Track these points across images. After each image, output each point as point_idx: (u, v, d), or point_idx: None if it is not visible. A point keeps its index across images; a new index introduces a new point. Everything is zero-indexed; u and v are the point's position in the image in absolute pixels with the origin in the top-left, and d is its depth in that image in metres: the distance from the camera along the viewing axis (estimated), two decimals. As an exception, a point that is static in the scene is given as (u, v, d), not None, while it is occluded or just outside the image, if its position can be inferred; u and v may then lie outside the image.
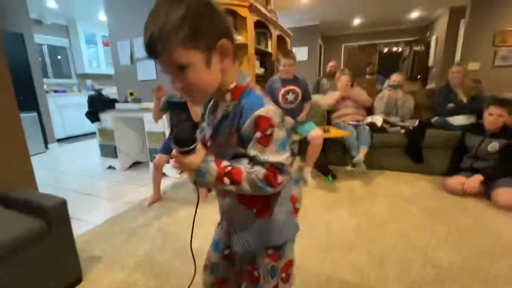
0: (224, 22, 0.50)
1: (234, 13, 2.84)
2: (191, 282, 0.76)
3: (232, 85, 0.53)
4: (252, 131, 0.48)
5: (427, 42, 6.33)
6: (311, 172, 2.28)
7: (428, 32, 6.44)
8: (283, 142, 0.50)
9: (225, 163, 0.50)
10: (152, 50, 0.46)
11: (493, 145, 1.97)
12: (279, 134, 0.50)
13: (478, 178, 1.93)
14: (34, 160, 3.81)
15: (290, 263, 0.63)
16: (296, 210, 0.64)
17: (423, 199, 1.95)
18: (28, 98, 3.88)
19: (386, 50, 7.64)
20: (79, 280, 1.21)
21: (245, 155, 0.51)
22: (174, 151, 0.50)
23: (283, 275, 0.62)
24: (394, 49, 7.53)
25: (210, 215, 1.79)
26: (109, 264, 1.33)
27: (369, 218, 1.68)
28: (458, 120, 2.45)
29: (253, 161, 0.49)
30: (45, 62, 5.20)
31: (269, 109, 0.49)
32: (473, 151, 2.08)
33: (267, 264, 0.60)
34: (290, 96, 2.30)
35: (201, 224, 1.67)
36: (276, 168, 0.49)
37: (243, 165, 0.50)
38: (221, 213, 0.67)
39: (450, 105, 2.59)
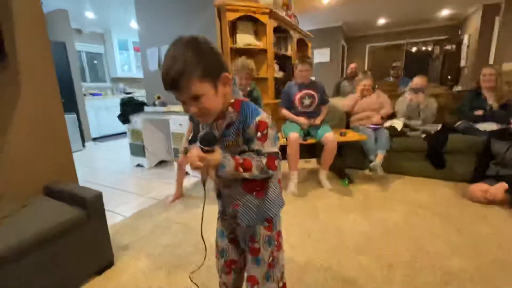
0: (223, 59, 0.66)
1: (254, 20, 2.95)
2: (202, 263, 0.93)
3: (232, 100, 0.69)
4: (254, 132, 0.65)
5: (459, 41, 6.00)
6: (327, 175, 2.31)
7: (460, 31, 6.10)
8: (274, 138, 0.68)
9: (237, 157, 0.65)
10: (174, 86, 0.59)
11: (521, 152, 1.89)
12: (272, 132, 0.67)
13: (502, 186, 1.86)
14: (73, 157, 4.15)
15: (279, 234, 0.79)
16: (281, 190, 0.80)
17: (441, 206, 1.91)
18: (68, 100, 4.29)
19: (414, 49, 7.34)
20: (111, 263, 1.38)
21: (248, 151, 0.67)
22: (197, 151, 0.61)
23: (276, 243, 0.77)
24: (423, 48, 7.22)
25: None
26: (136, 252, 1.49)
27: (383, 223, 1.70)
28: (486, 126, 2.33)
29: (257, 153, 0.66)
30: (83, 67, 5.70)
31: (264, 116, 0.66)
32: (500, 157, 2.00)
33: (264, 235, 0.75)
34: (307, 100, 2.35)
35: (215, 219, 1.79)
36: (273, 156, 0.67)
37: (251, 157, 0.66)
38: (224, 202, 0.80)
39: (478, 112, 2.44)
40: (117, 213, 2.02)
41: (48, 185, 1.43)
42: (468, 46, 5.43)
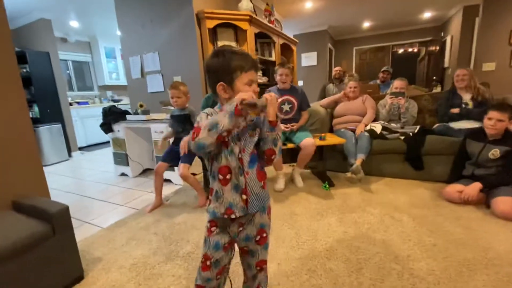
0: None
1: (234, 26, 2.97)
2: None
3: None
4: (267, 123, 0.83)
5: (442, 42, 6.11)
6: (300, 173, 2.32)
7: (443, 32, 6.22)
8: None
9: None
10: (258, 67, 0.82)
11: (494, 152, 1.91)
12: None
13: (477, 186, 1.88)
14: (59, 167, 4.12)
15: None
16: None
17: (417, 207, 1.93)
18: (54, 110, 4.26)
19: (400, 51, 7.44)
20: (80, 278, 1.36)
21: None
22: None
23: None
24: (409, 50, 7.32)
25: (206, 221, 1.90)
26: (108, 264, 1.47)
27: (357, 226, 1.71)
28: (461, 124, 2.37)
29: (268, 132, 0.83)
30: (70, 76, 5.66)
31: None
32: (474, 157, 2.03)
33: (269, 223, 0.92)
34: (286, 106, 2.37)
35: (196, 229, 1.79)
36: None
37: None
38: (235, 197, 0.82)
39: (454, 110, 2.51)
40: (94, 225, 1.99)
41: (18, 200, 1.41)
42: (451, 47, 5.53)
